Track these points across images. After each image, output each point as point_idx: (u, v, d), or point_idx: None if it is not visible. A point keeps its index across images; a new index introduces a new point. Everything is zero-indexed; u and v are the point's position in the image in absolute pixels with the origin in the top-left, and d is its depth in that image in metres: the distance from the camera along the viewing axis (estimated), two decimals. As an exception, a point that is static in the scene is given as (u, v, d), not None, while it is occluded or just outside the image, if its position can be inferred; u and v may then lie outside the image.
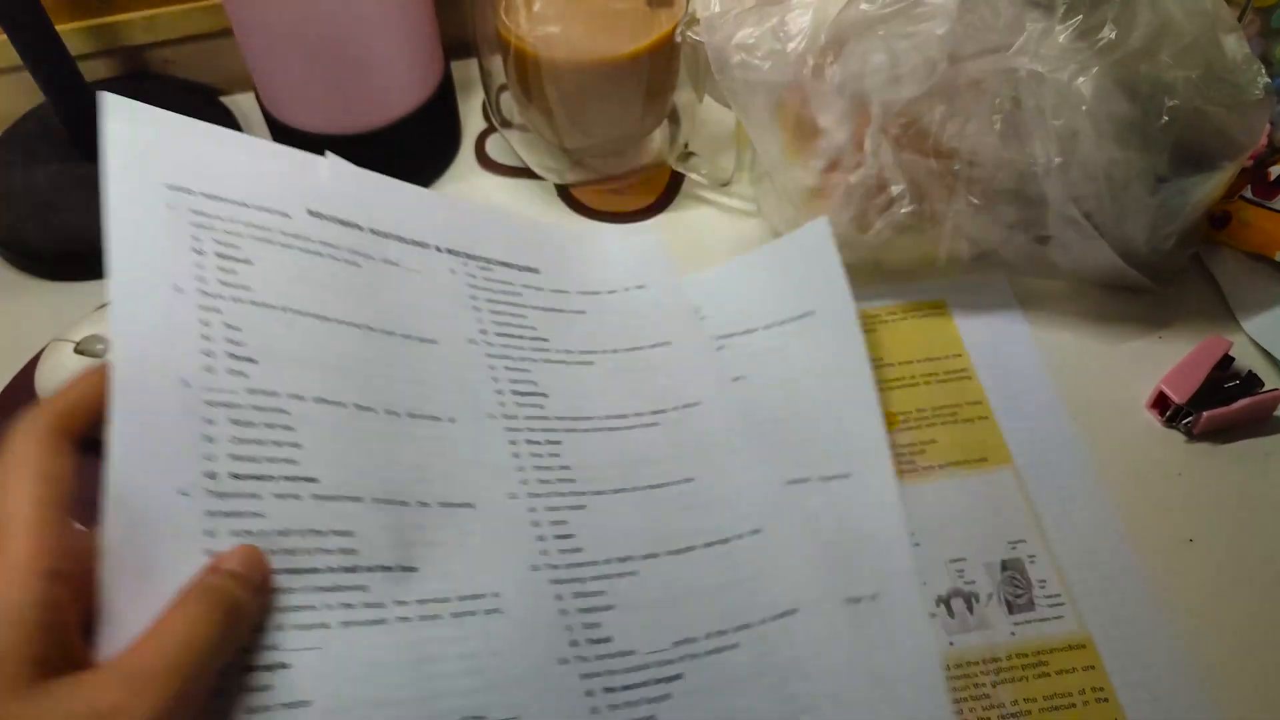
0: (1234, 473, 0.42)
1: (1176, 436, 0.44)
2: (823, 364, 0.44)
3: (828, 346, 0.44)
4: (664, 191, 0.54)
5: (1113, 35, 0.40)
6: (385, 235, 0.41)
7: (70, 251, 0.51)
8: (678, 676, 0.35)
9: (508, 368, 0.41)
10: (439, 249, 0.42)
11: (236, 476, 0.31)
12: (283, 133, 0.52)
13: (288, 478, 0.32)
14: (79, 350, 0.43)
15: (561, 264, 0.46)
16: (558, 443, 0.40)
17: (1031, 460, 0.43)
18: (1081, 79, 0.40)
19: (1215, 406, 0.42)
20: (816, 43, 0.42)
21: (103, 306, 0.47)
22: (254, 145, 0.39)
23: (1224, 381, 0.44)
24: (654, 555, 0.38)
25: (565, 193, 0.54)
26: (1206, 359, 0.44)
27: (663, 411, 0.42)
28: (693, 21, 0.45)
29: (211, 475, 0.30)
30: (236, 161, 0.38)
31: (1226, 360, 0.44)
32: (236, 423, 0.31)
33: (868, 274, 0.49)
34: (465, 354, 0.40)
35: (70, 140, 0.53)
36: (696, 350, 0.45)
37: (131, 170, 0.35)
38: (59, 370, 0.43)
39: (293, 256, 0.36)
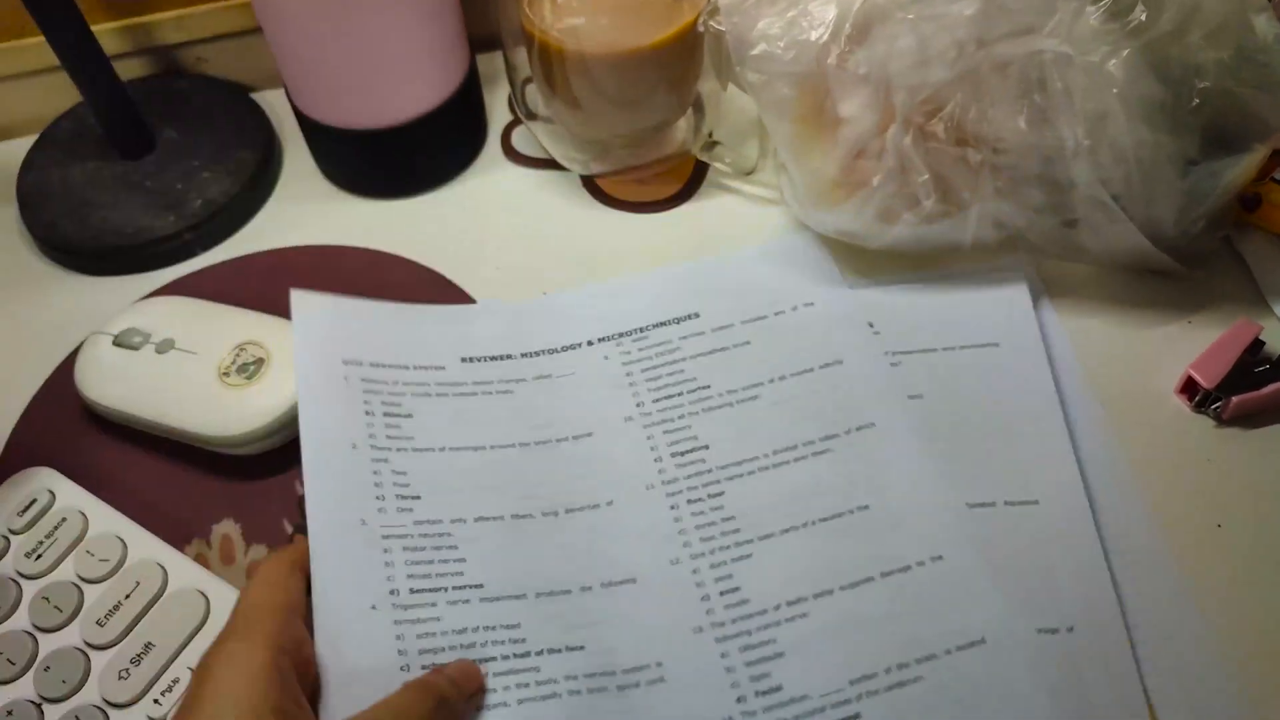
0: (1264, 458, 0.42)
1: (1205, 422, 0.43)
2: (1008, 393, 0.43)
3: (1014, 378, 0.43)
4: (688, 181, 0.54)
5: (1143, 17, 0.40)
6: (535, 354, 0.45)
7: (108, 246, 0.52)
8: (855, 717, 0.35)
9: (666, 431, 0.42)
10: (589, 343, 0.45)
11: (414, 591, 0.36)
12: (311, 128, 0.53)
13: (456, 587, 0.37)
14: (117, 343, 0.44)
15: (722, 297, 0.47)
16: (720, 494, 0.40)
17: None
18: (1113, 61, 0.40)
19: (1245, 391, 0.42)
20: (841, 31, 0.42)
21: (140, 300, 0.48)
22: (414, 312, 0.46)
23: (1254, 366, 0.43)
24: (827, 592, 0.37)
25: (590, 183, 0.55)
26: (1236, 343, 0.43)
27: (834, 436, 0.41)
28: (715, 11, 0.45)
29: (394, 592, 0.36)
30: (398, 329, 0.44)
31: (1257, 345, 0.44)
32: (408, 549, 0.37)
33: (891, 260, 0.49)
34: (621, 435, 0.42)
35: (107, 139, 0.54)
36: (871, 367, 0.44)
37: (313, 349, 0.42)
38: (97, 364, 0.44)
39: (448, 403, 0.42)
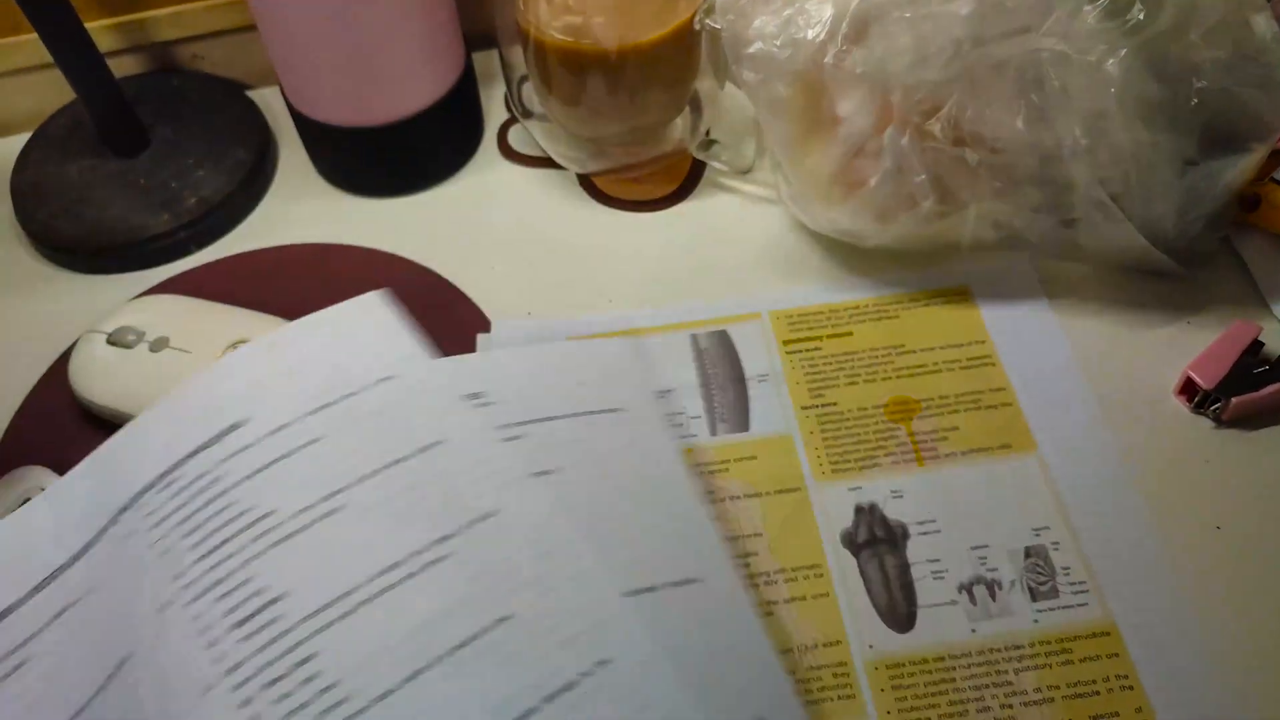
0: (1263, 460, 0.42)
1: (1204, 423, 0.43)
2: (640, 463, 0.38)
3: (640, 448, 0.39)
4: (685, 179, 0.54)
5: (1141, 15, 0.39)
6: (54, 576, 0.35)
7: (102, 245, 0.52)
8: None
9: (219, 598, 0.32)
10: (88, 546, 0.35)
11: None
12: (306, 126, 0.53)
13: None
14: (111, 342, 0.44)
15: (275, 389, 0.38)
16: (310, 658, 0.31)
17: (1056, 447, 0.43)
18: (1111, 61, 0.40)
19: (1244, 392, 0.42)
20: (838, 30, 0.42)
21: (135, 298, 0.47)
22: None
23: (1254, 367, 0.43)
24: None
25: (586, 182, 0.55)
26: (1235, 344, 0.43)
27: (450, 537, 0.34)
28: (711, 9, 0.45)
29: None
30: None
31: (1256, 345, 0.43)
32: None
33: (888, 259, 0.49)
34: (159, 633, 0.32)
35: (101, 137, 0.54)
36: (482, 444, 0.36)
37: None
38: (91, 362, 0.44)
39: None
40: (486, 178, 0.55)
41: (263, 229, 0.54)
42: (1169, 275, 0.46)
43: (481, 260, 0.51)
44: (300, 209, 0.55)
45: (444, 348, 0.47)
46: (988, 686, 0.37)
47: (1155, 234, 0.44)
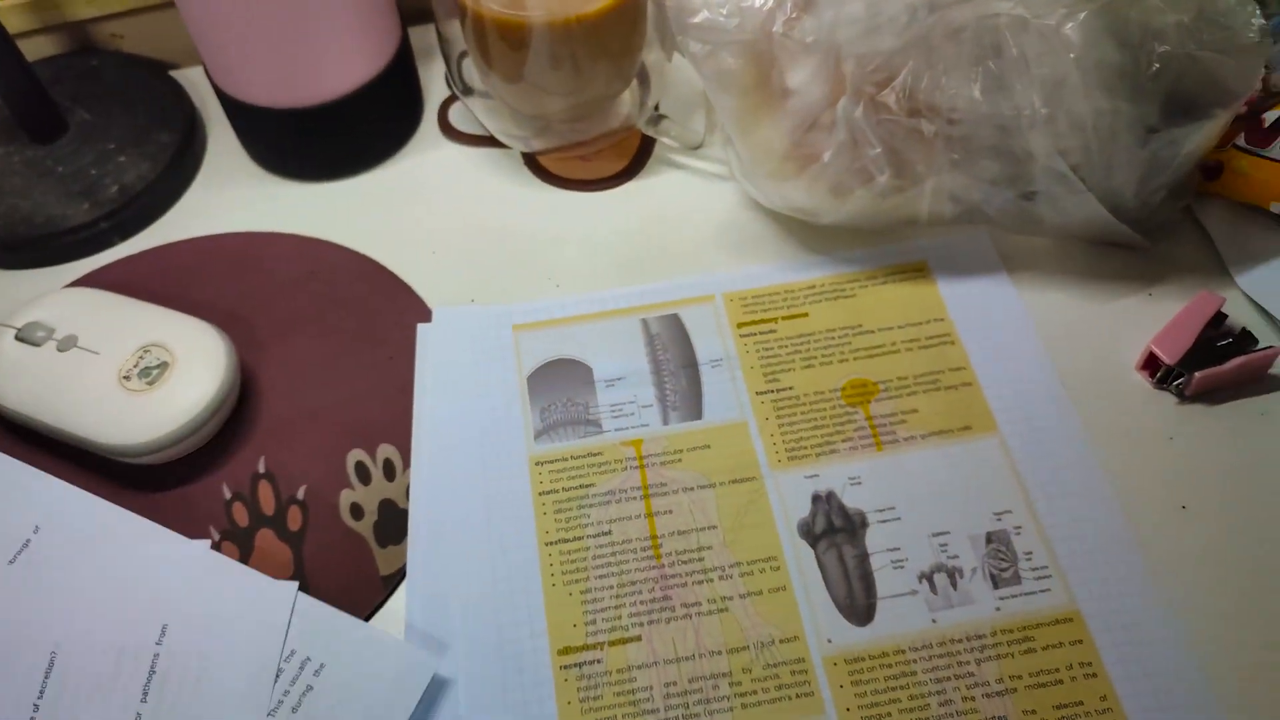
0: (1228, 435, 0.41)
1: (1168, 399, 0.42)
2: None
3: None
4: (634, 157, 0.52)
5: (1100, -23, 0.38)
6: None
7: (18, 237, 0.49)
8: None
9: None
10: None
11: None
12: (234, 108, 0.50)
13: None
14: (20, 338, 0.41)
15: None
16: None
17: (1018, 428, 0.41)
18: (1070, 25, 0.38)
19: (1208, 366, 0.41)
20: (787, -5, 0.40)
21: (50, 293, 0.45)
22: None
23: (1217, 340, 0.42)
24: None
25: (532, 161, 0.52)
26: (1198, 317, 0.42)
27: None
28: (655, -24, 0.43)
29: None
30: None
31: (1219, 318, 0.42)
32: None
33: (844, 235, 0.47)
34: None
35: (15, 122, 0.51)
36: None
37: None
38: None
39: None
40: (427, 159, 0.53)
41: (191, 217, 0.51)
42: (1131, 247, 0.45)
43: (422, 246, 0.49)
44: (231, 195, 0.52)
45: (384, 338, 0.45)
46: (949, 679, 0.35)
47: (1116, 205, 0.43)
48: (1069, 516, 0.39)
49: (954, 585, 0.37)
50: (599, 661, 0.36)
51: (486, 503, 0.40)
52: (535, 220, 0.50)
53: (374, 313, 0.47)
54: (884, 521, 0.39)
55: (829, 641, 0.36)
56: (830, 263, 0.47)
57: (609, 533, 0.39)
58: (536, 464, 0.41)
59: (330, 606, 0.37)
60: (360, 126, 0.51)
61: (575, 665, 0.36)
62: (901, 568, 0.38)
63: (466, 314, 0.46)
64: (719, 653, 0.36)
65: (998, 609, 0.37)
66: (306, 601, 0.37)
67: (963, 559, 0.38)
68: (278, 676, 0.35)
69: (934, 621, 0.37)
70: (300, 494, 0.41)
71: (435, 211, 0.50)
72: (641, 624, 0.37)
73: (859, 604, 0.37)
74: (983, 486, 0.40)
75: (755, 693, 0.36)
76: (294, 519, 0.40)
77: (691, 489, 0.40)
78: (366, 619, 0.38)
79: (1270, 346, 0.41)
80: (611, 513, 0.40)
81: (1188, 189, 0.45)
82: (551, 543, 0.39)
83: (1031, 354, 0.43)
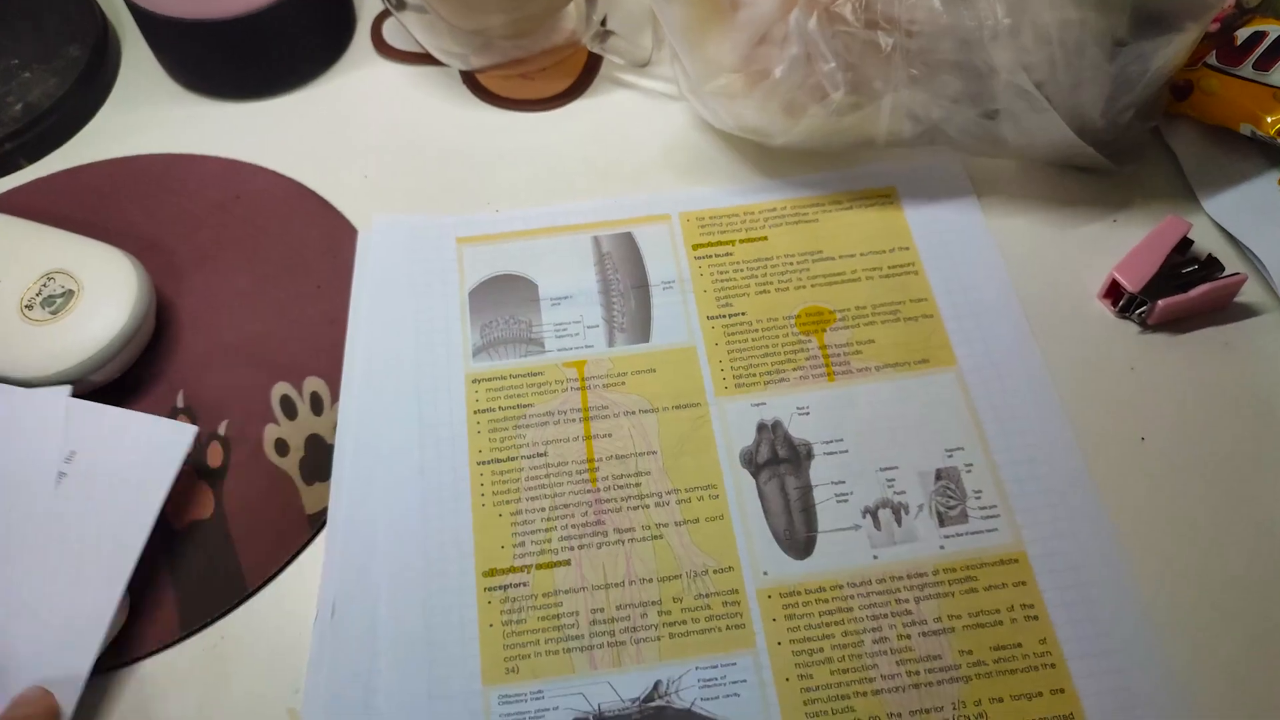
0: (1191, 365, 0.39)
1: (1130, 328, 0.40)
2: None
3: None
4: (580, 75, 0.49)
5: (1068, -124, 0.35)
6: None
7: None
8: None
9: None
10: None
11: None
12: (146, 20, 0.46)
13: None
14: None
15: None
16: None
17: (978, 363, 0.40)
18: (1036, -71, 0.36)
19: (1171, 294, 0.39)
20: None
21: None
22: None
23: (1182, 267, 0.40)
24: None
25: (471, 80, 0.49)
26: (1163, 243, 0.40)
27: None
28: (595, -127, 0.39)
29: None
30: None
31: (1185, 244, 0.41)
32: None
33: (804, 158, 0.45)
34: None
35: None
36: None
37: None
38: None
39: None
40: (359, 77, 0.50)
41: (105, 138, 0.48)
42: (1096, 170, 0.43)
43: (354, 169, 0.46)
44: (148, 115, 0.48)
45: (312, 267, 0.43)
46: (885, 616, 0.34)
47: (1082, 125, 0.41)
48: (1024, 455, 0.37)
49: (898, 522, 0.36)
50: (524, 585, 0.35)
51: (420, 420, 0.39)
52: (474, 142, 0.47)
53: (302, 240, 0.44)
54: (830, 454, 0.37)
55: (765, 574, 0.35)
56: (793, 186, 0.45)
57: (544, 454, 0.38)
58: (473, 381, 0.40)
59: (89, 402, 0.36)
60: (285, 41, 0.48)
61: (500, 588, 0.35)
62: (845, 501, 0.36)
63: (408, 224, 0.44)
64: (650, 580, 0.35)
65: (942, 547, 0.35)
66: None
67: (909, 495, 0.36)
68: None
69: (875, 558, 0.35)
70: (221, 429, 0.39)
71: (368, 133, 0.47)
72: (571, 548, 0.36)
73: (798, 537, 0.36)
74: (936, 422, 0.38)
75: (685, 622, 0.34)
76: (214, 456, 0.38)
77: (633, 413, 0.39)
78: (293, 558, 0.36)
79: (1236, 273, 0.40)
80: (548, 434, 0.38)
81: (1156, 109, 0.43)
82: (484, 462, 0.38)
83: (997, 288, 0.42)
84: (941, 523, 0.36)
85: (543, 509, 0.37)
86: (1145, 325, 0.40)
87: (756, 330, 0.41)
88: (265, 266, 0.43)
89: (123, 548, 0.34)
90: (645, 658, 0.34)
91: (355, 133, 0.47)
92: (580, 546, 0.36)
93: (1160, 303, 0.39)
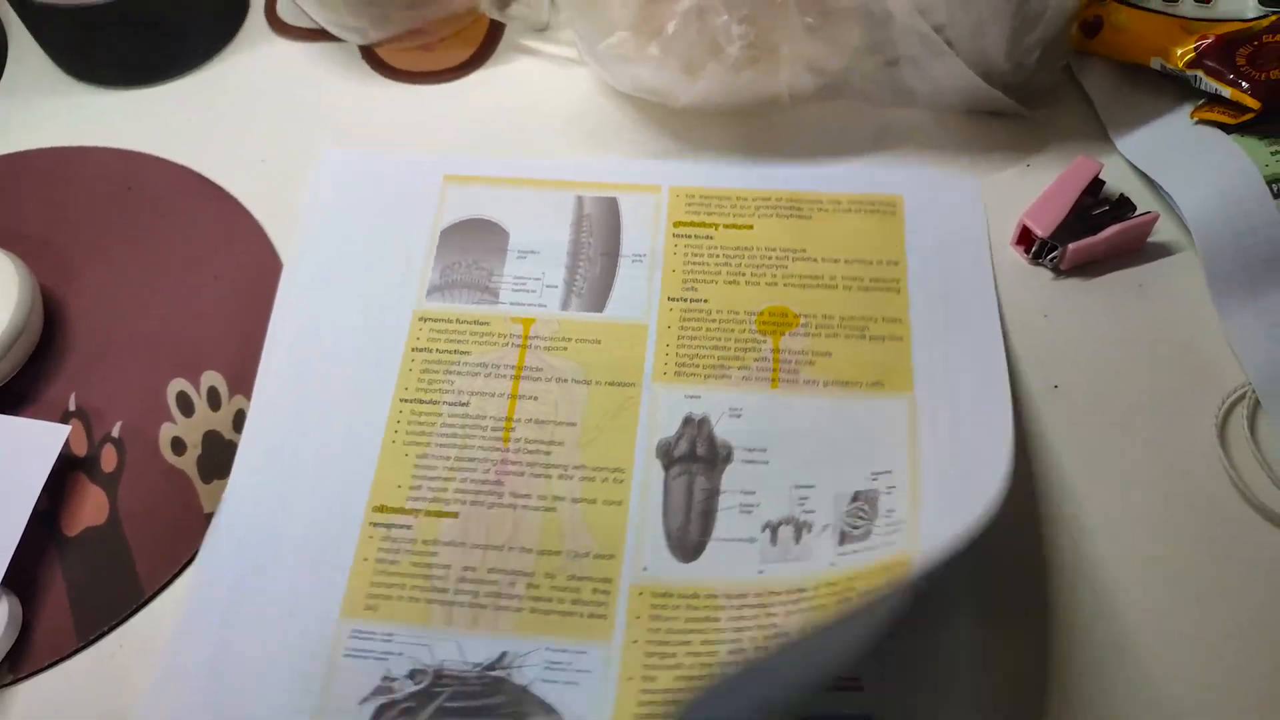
0: (1104, 310, 0.39)
1: (1043, 274, 0.40)
2: None
3: None
4: (482, 44, 0.48)
5: None
6: None
7: None
8: None
9: None
10: None
11: None
12: (24, 6, 0.44)
13: None
14: None
15: None
16: None
17: (936, 395, 0.36)
18: None
19: (1082, 237, 0.38)
20: None
21: None
22: None
23: (1094, 208, 0.39)
24: None
25: (370, 54, 0.48)
26: (1073, 185, 0.39)
27: None
28: None
29: None
30: None
31: (1096, 184, 0.40)
32: None
33: (703, 121, 0.44)
34: None
35: None
36: None
37: None
38: None
39: None
40: (254, 57, 0.48)
41: (-9, 134, 0.46)
42: (1007, 114, 0.42)
43: (250, 154, 0.45)
44: (35, 107, 0.47)
45: (208, 258, 0.42)
46: (749, 629, 0.32)
47: (988, 68, 0.40)
48: (959, 487, 0.33)
49: (796, 539, 0.34)
50: (409, 528, 0.35)
51: (358, 347, 0.39)
52: (376, 118, 0.45)
53: (197, 230, 0.42)
54: (749, 462, 0.36)
55: (644, 569, 0.34)
56: (796, 175, 0.42)
57: (466, 404, 0.37)
58: (420, 319, 0.39)
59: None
60: (173, 23, 0.46)
61: (385, 525, 0.35)
62: (749, 513, 0.35)
63: (396, 159, 0.44)
64: (529, 551, 0.34)
65: (833, 564, 0.33)
66: None
67: (818, 515, 0.34)
68: None
69: (760, 573, 0.34)
70: (115, 431, 0.37)
71: (264, 116, 0.46)
72: (464, 502, 0.35)
73: (690, 540, 0.34)
74: (869, 447, 0.36)
75: (550, 600, 0.34)
76: (108, 459, 0.37)
77: (565, 380, 0.38)
78: (191, 559, 0.35)
79: (1148, 212, 0.39)
80: (476, 385, 0.38)
81: (1063, 48, 0.42)
82: (407, 400, 0.38)
83: (983, 324, 0.38)
84: (842, 541, 0.34)
85: (448, 458, 0.36)
86: (1058, 271, 0.39)
87: (714, 321, 0.39)
88: (160, 260, 0.42)
89: None
90: (500, 626, 0.33)
91: (250, 116, 0.46)
92: (473, 503, 0.35)
93: (1070, 246, 0.38)
